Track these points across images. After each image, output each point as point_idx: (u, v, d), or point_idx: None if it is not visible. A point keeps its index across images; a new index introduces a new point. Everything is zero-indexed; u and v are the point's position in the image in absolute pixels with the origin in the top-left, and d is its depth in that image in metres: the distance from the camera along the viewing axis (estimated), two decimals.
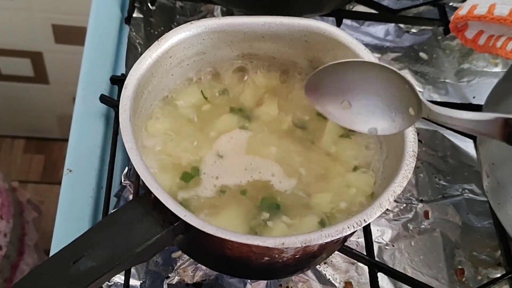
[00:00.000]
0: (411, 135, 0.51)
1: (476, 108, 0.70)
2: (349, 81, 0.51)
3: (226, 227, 0.49)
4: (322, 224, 0.51)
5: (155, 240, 0.44)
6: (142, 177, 0.45)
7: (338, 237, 0.45)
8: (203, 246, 0.49)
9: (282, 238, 0.44)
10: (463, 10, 0.56)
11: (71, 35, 1.47)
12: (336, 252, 0.60)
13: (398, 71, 0.48)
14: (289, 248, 0.46)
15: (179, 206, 0.44)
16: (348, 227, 0.45)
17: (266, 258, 0.48)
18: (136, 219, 0.44)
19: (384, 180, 0.53)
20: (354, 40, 0.55)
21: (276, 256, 0.47)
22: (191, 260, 0.59)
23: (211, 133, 0.56)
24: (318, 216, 0.52)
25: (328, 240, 0.45)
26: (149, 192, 0.45)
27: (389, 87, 0.49)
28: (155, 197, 0.44)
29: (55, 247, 0.54)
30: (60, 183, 0.60)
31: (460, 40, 0.60)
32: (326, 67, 0.51)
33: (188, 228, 0.45)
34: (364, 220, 0.46)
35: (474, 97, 0.77)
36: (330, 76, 0.51)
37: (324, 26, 0.56)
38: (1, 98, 1.69)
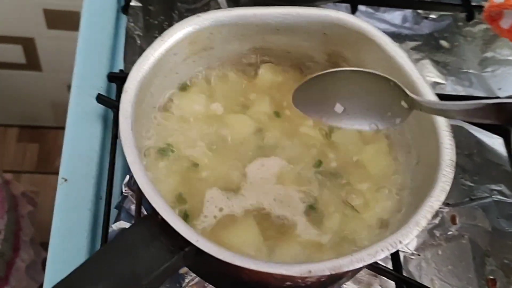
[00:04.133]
0: (447, 141, 0.45)
1: None
2: (337, 87, 0.45)
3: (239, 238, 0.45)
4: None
5: (164, 268, 0.39)
6: (147, 196, 0.39)
7: (371, 261, 0.40)
8: (217, 270, 0.44)
9: (309, 265, 0.39)
10: None
11: (64, 20, 1.40)
12: None
13: (382, 75, 0.43)
14: None
15: (190, 229, 0.39)
16: (382, 250, 0.40)
17: (287, 283, 0.43)
18: (141, 245, 0.39)
19: (415, 190, 0.48)
20: (379, 33, 0.50)
21: (300, 281, 0.42)
22: None
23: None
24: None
25: (360, 265, 0.39)
26: (155, 212, 0.39)
27: (378, 88, 0.44)
28: (163, 218, 0.39)
29: (50, 269, 0.48)
30: (56, 173, 0.54)
31: (495, 31, 0.54)
32: (312, 78, 0.45)
33: (200, 251, 0.40)
34: (400, 241, 0.40)
35: (499, 89, 0.72)
36: (317, 85, 0.45)
37: (345, 17, 0.50)
38: None
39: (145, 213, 0.51)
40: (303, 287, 0.44)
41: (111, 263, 0.38)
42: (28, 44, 1.49)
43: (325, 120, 0.46)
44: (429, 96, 0.47)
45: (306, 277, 0.41)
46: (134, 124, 0.44)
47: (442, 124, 0.46)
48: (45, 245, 1.45)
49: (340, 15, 0.50)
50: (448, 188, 0.43)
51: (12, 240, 1.25)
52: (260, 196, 0.48)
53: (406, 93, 0.42)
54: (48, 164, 1.76)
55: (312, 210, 0.49)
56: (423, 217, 0.42)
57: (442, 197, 0.43)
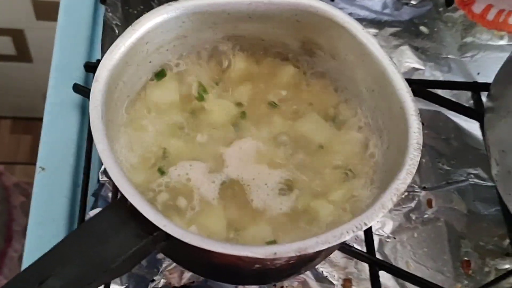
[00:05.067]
0: (415, 125, 0.46)
1: (483, 87, 0.65)
2: None
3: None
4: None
5: (133, 252, 0.39)
6: (116, 182, 0.40)
7: (336, 243, 0.40)
8: (188, 254, 0.45)
9: (274, 247, 0.39)
10: None
11: (53, 11, 1.39)
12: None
13: None
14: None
15: (159, 214, 0.39)
16: (347, 232, 0.41)
17: (257, 265, 0.44)
18: (110, 230, 0.39)
19: (386, 174, 0.48)
20: (351, 19, 0.50)
21: (268, 263, 0.43)
22: None
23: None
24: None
25: (326, 246, 0.40)
26: (124, 198, 0.40)
27: None
28: (132, 204, 0.40)
29: (28, 256, 0.50)
30: None
31: (467, 15, 0.55)
32: None
33: (169, 236, 0.41)
34: (365, 223, 0.41)
35: (478, 74, 0.72)
36: None
37: (316, 4, 0.50)
38: None
39: None
40: (273, 270, 0.45)
41: (80, 247, 0.39)
42: (17, 36, 1.49)
43: None
44: (399, 82, 0.48)
45: (273, 259, 0.42)
46: (106, 113, 0.44)
47: (411, 108, 0.46)
48: None
49: (311, 2, 0.51)
50: (414, 171, 0.44)
51: (4, 231, 1.26)
52: (241, 174, 0.49)
53: None
54: None
55: (287, 191, 0.49)
56: (389, 200, 0.42)
57: (408, 179, 0.43)
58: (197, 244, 0.39)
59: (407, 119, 0.46)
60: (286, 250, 0.39)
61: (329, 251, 0.50)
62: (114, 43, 0.46)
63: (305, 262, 0.47)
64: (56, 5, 1.37)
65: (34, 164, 1.70)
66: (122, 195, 0.40)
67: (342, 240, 0.41)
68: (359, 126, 0.53)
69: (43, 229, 0.51)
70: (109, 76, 0.45)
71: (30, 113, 1.78)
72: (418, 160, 0.44)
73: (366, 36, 0.49)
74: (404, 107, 0.47)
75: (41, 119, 1.82)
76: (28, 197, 1.44)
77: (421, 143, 0.45)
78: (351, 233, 0.41)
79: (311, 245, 0.40)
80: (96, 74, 0.44)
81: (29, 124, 1.80)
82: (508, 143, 0.52)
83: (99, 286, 0.39)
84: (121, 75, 0.47)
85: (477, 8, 0.54)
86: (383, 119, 0.50)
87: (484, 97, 0.66)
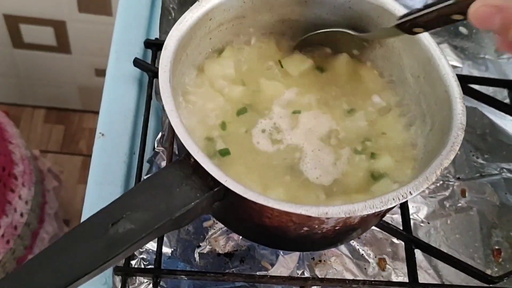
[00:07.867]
0: (459, 107, 0.49)
1: None
2: None
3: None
4: None
5: (194, 205, 0.43)
6: (182, 140, 0.43)
7: (383, 208, 0.43)
8: (241, 214, 0.48)
9: (326, 208, 0.42)
10: None
11: (95, 4, 1.44)
12: (373, 227, 0.58)
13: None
14: (331, 218, 0.44)
15: (220, 171, 0.43)
16: (394, 199, 0.44)
17: (305, 229, 0.46)
18: (175, 183, 0.43)
19: (428, 154, 0.51)
20: (401, 7, 0.54)
21: (316, 227, 0.46)
22: (223, 229, 0.58)
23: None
24: None
25: (373, 211, 0.43)
26: (188, 155, 0.43)
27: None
28: (195, 161, 0.43)
29: (87, 211, 0.53)
30: (79, 154, 0.59)
31: None
32: None
33: (227, 194, 0.44)
34: (410, 192, 0.44)
35: None
36: None
37: None
38: (22, 66, 1.67)
39: None
40: (318, 235, 0.48)
41: (148, 196, 0.42)
42: (59, 27, 1.52)
43: None
44: (445, 67, 0.51)
45: (323, 222, 0.45)
46: (172, 79, 0.48)
47: (456, 92, 0.50)
48: (67, 222, 1.48)
49: None
50: (457, 148, 0.47)
51: (38, 212, 1.30)
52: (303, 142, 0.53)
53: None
54: (72, 146, 1.80)
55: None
56: (433, 173, 0.45)
57: (452, 156, 0.46)
58: (255, 199, 0.42)
59: (451, 102, 0.49)
60: (337, 211, 0.42)
61: (370, 223, 0.52)
62: (183, 15, 0.49)
63: (347, 231, 0.49)
64: None
65: (65, 153, 1.72)
66: (186, 153, 0.43)
67: (389, 206, 0.43)
68: (402, 111, 0.56)
69: (102, 190, 0.55)
70: (177, 45, 0.48)
71: (64, 104, 1.82)
72: (462, 138, 0.47)
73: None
74: (449, 91, 0.50)
75: (74, 111, 1.84)
76: (60, 182, 1.48)
77: (465, 123, 0.48)
78: (397, 200, 0.44)
79: (360, 208, 0.43)
80: (165, 42, 0.48)
81: (62, 115, 1.84)
82: None
83: (164, 232, 0.42)
84: (186, 47, 0.51)
85: None
86: (427, 104, 0.53)
87: None
